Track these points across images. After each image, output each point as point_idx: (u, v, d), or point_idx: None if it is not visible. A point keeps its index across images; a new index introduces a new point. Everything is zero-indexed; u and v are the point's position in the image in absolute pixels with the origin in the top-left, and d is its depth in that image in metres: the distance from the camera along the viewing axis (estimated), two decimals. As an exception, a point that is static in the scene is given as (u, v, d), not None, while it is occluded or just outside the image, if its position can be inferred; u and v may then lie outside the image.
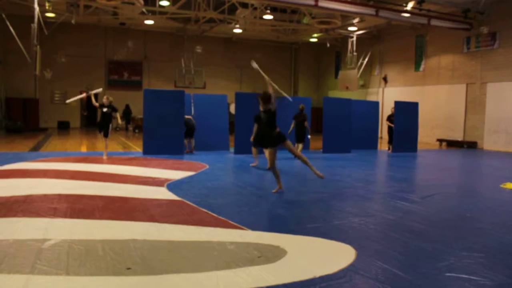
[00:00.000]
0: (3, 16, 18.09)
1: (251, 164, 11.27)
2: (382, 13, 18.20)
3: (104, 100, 12.03)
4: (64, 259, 4.03)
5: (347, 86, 25.59)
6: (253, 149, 11.29)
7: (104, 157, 11.77)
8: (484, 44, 19.28)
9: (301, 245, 4.71)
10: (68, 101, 13.58)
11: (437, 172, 11.74)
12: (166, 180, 8.56)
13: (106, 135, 11.97)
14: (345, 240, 4.86)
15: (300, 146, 13.38)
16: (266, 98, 7.20)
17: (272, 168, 7.53)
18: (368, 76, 26.37)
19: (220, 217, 5.75)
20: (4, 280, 3.53)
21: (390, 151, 16.65)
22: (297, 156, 7.71)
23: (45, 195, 6.75)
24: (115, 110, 12.22)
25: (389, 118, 16.79)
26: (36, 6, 16.64)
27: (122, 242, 4.56)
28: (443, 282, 3.78)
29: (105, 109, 12.03)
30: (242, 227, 5.30)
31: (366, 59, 25.75)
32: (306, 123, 13.66)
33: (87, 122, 25.86)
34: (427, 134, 21.36)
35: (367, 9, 17.93)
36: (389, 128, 16.75)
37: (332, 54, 29.33)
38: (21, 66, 21.37)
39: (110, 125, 12.13)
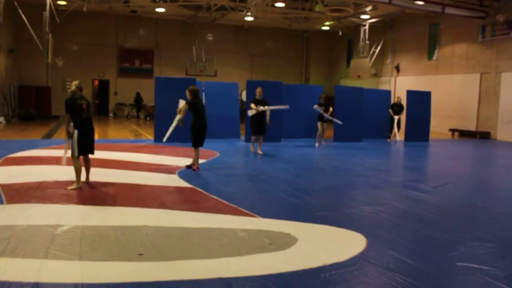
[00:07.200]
0: (15, 4, 18.12)
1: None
2: (395, 1, 17.93)
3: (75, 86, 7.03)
4: (77, 244, 4.09)
5: (359, 75, 25.36)
6: None
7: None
8: (499, 32, 18.90)
9: (311, 233, 4.72)
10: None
11: (449, 162, 11.64)
12: (178, 167, 8.62)
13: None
14: (356, 229, 4.87)
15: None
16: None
17: None
18: (380, 64, 26.07)
19: (231, 204, 5.78)
20: (19, 264, 3.60)
21: (389, 139, 16.69)
22: None
23: (58, 182, 6.83)
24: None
25: (392, 107, 16.74)
26: (48, -7, 16.67)
27: (134, 229, 4.61)
28: (453, 271, 3.77)
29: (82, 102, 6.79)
30: (253, 214, 5.32)
31: (379, 48, 25.43)
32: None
33: (98, 110, 26.00)
34: (440, 123, 21.10)
35: (380, -4, 17.71)
36: (390, 117, 16.73)
37: (344, 43, 29.03)
38: (33, 54, 21.49)
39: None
